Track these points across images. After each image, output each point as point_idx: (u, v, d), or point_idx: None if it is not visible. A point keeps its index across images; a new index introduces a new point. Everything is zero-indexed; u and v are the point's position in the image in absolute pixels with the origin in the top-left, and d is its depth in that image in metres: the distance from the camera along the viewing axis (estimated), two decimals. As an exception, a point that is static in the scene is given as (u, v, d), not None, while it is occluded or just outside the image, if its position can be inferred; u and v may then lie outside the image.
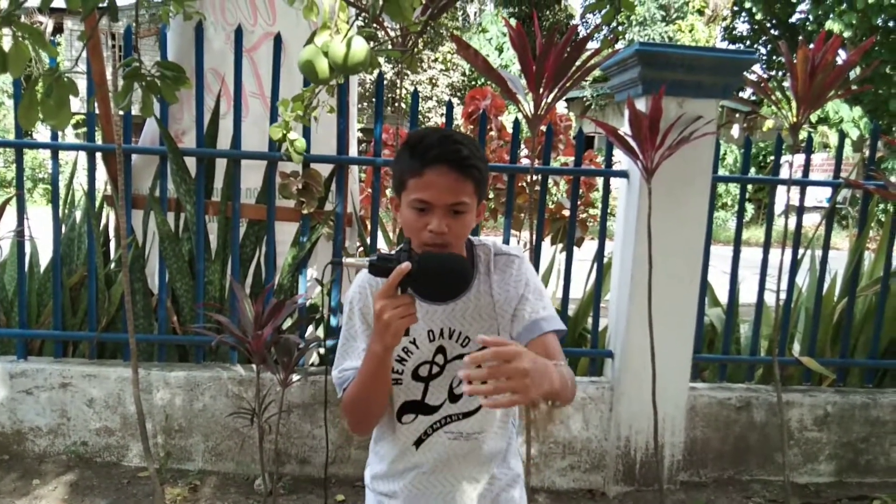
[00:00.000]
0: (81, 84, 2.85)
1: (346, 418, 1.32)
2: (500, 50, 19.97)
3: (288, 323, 2.74)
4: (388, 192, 2.80)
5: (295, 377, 2.61)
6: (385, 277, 1.12)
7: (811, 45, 2.44)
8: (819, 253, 3.21)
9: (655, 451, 2.72)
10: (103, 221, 3.20)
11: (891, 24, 10.62)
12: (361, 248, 3.22)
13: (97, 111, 2.95)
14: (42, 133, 12.57)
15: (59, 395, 2.92)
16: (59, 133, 2.91)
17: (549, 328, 1.28)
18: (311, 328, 3.12)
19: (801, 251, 3.21)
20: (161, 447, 2.95)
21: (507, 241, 3.03)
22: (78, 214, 3.26)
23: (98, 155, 3.01)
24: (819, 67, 2.41)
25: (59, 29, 17.89)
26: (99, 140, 2.98)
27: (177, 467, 2.95)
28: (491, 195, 3.49)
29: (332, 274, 2.95)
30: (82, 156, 3.07)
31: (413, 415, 1.37)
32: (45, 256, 3.14)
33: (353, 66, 1.73)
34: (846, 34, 10.90)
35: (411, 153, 1.20)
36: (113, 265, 3.18)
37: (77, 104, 3.53)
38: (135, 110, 2.45)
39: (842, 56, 2.49)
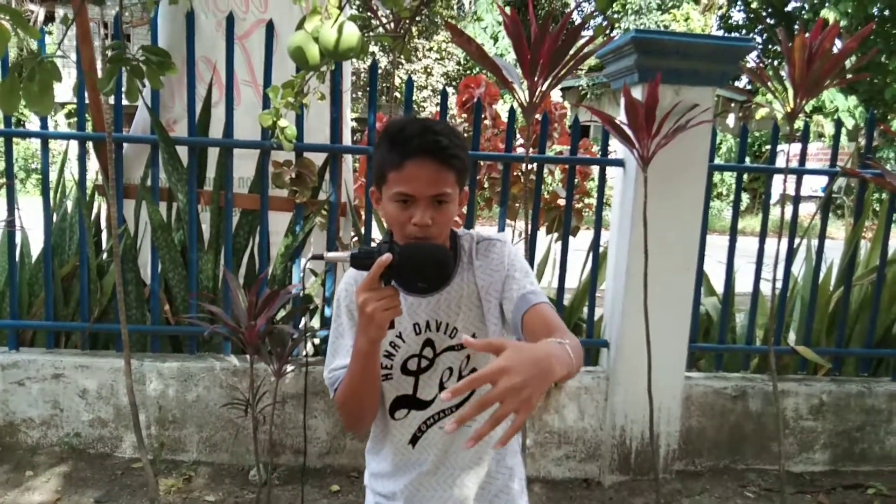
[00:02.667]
0: (72, 73, 2.82)
1: (342, 418, 1.32)
2: (495, 39, 19.85)
3: (282, 313, 2.72)
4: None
5: (289, 368, 2.59)
6: (368, 270, 1.11)
7: (807, 34, 2.42)
8: (815, 242, 3.21)
9: (651, 441, 2.71)
10: (95, 211, 3.17)
11: (886, 12, 10.57)
12: (356, 238, 3.20)
13: (87, 100, 2.92)
14: (34, 122, 12.44)
15: (51, 387, 2.90)
16: (51, 122, 2.88)
17: (539, 300, 1.22)
18: (307, 319, 3.10)
19: (796, 240, 3.21)
20: (155, 438, 2.93)
21: (502, 230, 3.02)
22: (69, 204, 3.22)
23: (89, 144, 2.97)
24: (817, 55, 2.39)
25: (50, 18, 17.73)
26: (90, 129, 2.95)
27: (171, 458, 2.94)
28: (486, 185, 3.47)
29: (322, 266, 2.93)
30: (73, 145, 3.03)
31: (406, 410, 1.35)
32: (37, 247, 3.11)
33: (344, 51, 1.70)
34: (842, 23, 10.86)
35: (390, 145, 1.17)
36: (105, 255, 3.15)
37: (68, 94, 3.50)
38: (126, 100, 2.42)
39: (838, 45, 2.47)
